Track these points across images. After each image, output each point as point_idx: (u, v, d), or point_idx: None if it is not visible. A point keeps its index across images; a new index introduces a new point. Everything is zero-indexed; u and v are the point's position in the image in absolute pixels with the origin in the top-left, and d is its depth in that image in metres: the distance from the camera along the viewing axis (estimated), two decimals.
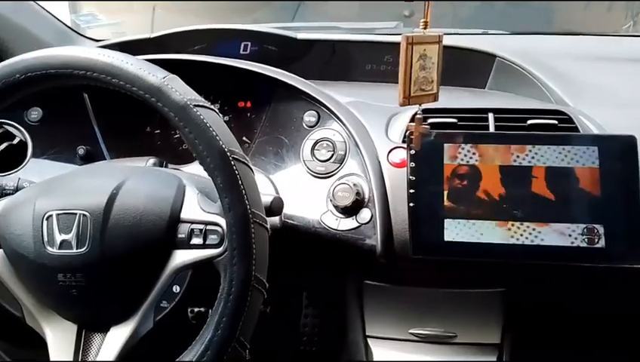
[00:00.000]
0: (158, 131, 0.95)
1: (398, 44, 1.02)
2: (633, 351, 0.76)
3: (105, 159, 0.86)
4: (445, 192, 0.66)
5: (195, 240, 0.56)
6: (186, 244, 0.56)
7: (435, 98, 0.50)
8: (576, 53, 0.95)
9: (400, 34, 1.17)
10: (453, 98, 0.88)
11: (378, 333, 0.76)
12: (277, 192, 0.77)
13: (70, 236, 0.55)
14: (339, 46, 1.07)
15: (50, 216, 0.56)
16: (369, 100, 0.85)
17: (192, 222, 0.56)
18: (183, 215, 0.57)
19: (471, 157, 0.67)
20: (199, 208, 0.57)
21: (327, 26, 1.25)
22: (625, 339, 0.75)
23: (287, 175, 0.78)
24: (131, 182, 0.59)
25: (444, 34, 1.10)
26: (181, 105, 0.52)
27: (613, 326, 0.75)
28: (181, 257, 0.56)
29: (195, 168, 0.82)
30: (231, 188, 0.52)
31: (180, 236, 0.56)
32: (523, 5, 1.44)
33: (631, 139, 0.65)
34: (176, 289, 0.57)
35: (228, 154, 0.52)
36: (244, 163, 0.54)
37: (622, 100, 0.79)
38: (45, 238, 0.56)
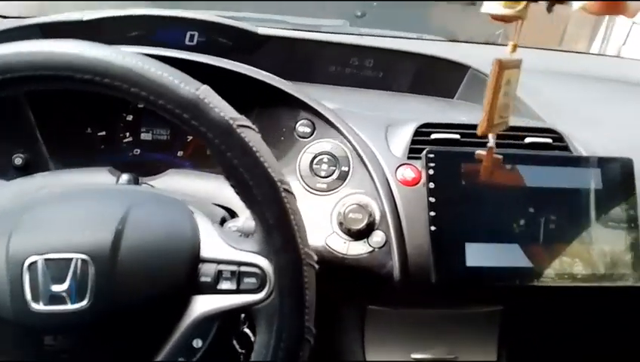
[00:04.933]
0: (103, 133, 0.80)
1: (365, 47, 0.99)
2: None
3: (47, 170, 0.70)
4: (466, 215, 0.64)
5: (226, 285, 0.46)
6: (212, 289, 0.46)
7: (507, 125, 0.47)
8: (547, 69, 0.98)
9: (351, 34, 1.13)
10: (442, 111, 0.86)
11: (379, 358, 0.72)
12: None
13: (64, 288, 0.42)
14: (300, 45, 1.00)
15: (34, 263, 0.42)
16: (353, 107, 0.79)
17: (220, 262, 0.47)
18: (205, 253, 0.47)
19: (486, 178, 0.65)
20: (226, 244, 0.48)
21: (272, 19, 1.16)
22: (622, 353, 0.80)
23: None
24: (137, 212, 0.47)
25: (406, 38, 1.08)
26: (224, 126, 0.42)
27: (609, 341, 0.79)
28: (205, 304, 0.46)
29: (168, 182, 0.71)
30: (282, 225, 0.44)
31: (202, 279, 0.46)
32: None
33: (630, 162, 0.68)
34: (197, 343, 0.46)
35: (279, 185, 0.44)
36: (291, 193, 0.45)
37: (599, 120, 0.83)
38: (28, 293, 0.42)
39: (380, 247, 0.64)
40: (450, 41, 1.04)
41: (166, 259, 0.45)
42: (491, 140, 0.47)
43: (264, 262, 0.46)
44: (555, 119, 0.83)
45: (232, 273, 0.46)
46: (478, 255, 0.63)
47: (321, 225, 0.66)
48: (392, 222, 0.65)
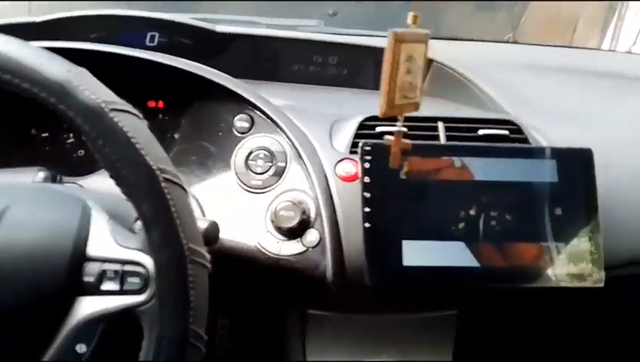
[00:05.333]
0: (47, 134, 0.78)
1: (328, 43, 0.96)
2: None
3: None
4: (404, 211, 0.59)
5: (108, 285, 0.43)
6: (95, 289, 0.43)
7: (417, 107, 0.42)
8: (512, 62, 0.93)
9: (327, 32, 1.09)
10: None
11: None
12: (202, 212, 0.65)
13: None
14: (263, 43, 0.97)
15: None
16: (304, 104, 0.76)
17: (104, 261, 0.43)
18: (91, 251, 0.44)
19: (429, 172, 0.61)
20: (113, 241, 0.44)
21: (246, 21, 1.13)
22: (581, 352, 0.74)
23: (216, 190, 0.66)
24: (17, 209, 0.44)
25: (377, 36, 1.04)
26: (92, 108, 0.39)
27: (569, 346, 0.73)
28: (88, 306, 0.43)
29: (99, 181, 0.68)
30: (161, 218, 0.40)
31: (86, 279, 0.43)
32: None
33: (589, 153, 0.62)
34: (81, 348, 0.43)
35: (157, 173, 0.40)
36: (177, 185, 0.42)
37: (566, 113, 0.77)
38: None
39: (313, 247, 0.60)
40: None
41: (44, 259, 0.42)
42: (399, 124, 0.43)
43: (148, 261, 0.42)
44: (522, 113, 0.78)
45: (116, 272, 0.43)
46: (418, 254, 0.58)
47: (255, 225, 0.63)
48: (328, 220, 0.61)
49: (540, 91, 0.85)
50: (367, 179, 0.59)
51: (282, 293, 0.66)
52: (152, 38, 0.99)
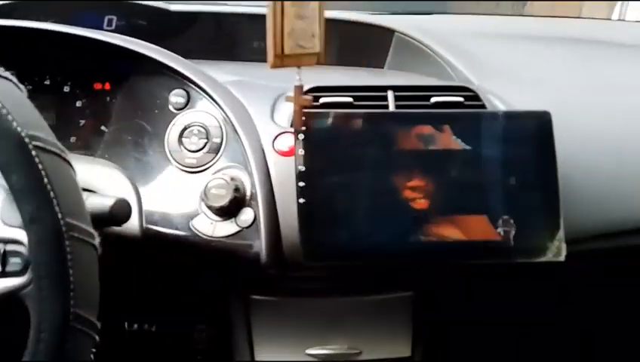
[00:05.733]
0: None
1: None
2: (550, 353, 0.69)
3: None
4: (342, 185, 0.55)
5: None
6: None
7: (320, 59, 0.38)
8: (479, 31, 0.88)
9: None
10: (348, 76, 0.77)
11: (269, 357, 0.63)
12: (137, 193, 0.61)
13: None
14: (220, 19, 0.93)
15: None
16: (253, 79, 0.71)
17: None
18: None
19: (371, 142, 0.56)
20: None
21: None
22: (541, 342, 0.69)
23: (150, 170, 0.62)
24: None
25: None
26: None
27: (530, 329, 0.68)
28: None
29: None
30: (32, 190, 0.36)
31: None
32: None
33: (546, 116, 0.57)
34: None
35: (26, 140, 0.36)
36: (53, 153, 0.38)
37: (531, 79, 0.72)
38: None
39: (247, 226, 0.56)
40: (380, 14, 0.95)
41: None
42: (297, 76, 0.38)
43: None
44: (486, 81, 0.73)
45: None
46: (357, 230, 0.54)
47: (189, 206, 0.59)
48: (264, 197, 0.56)
49: (508, 59, 0.79)
50: (301, 152, 0.55)
51: (220, 277, 0.62)
52: (110, 21, 0.97)
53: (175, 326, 0.82)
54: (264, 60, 0.90)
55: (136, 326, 0.81)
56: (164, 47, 0.69)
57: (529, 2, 1.40)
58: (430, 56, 0.82)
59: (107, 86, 0.72)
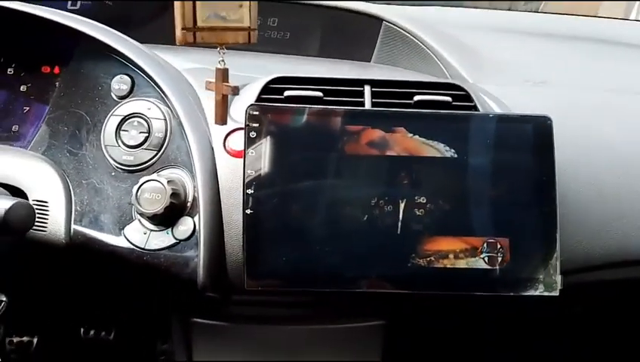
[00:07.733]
0: None
1: (267, 2, 0.83)
2: None
3: None
4: (297, 195, 0.46)
5: None
6: None
7: (249, 38, 0.29)
8: (481, 25, 0.79)
9: None
10: (325, 68, 0.68)
11: None
12: (68, 192, 0.52)
13: None
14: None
15: None
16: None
17: None
18: None
19: (334, 145, 0.47)
20: None
21: None
22: None
23: (85, 166, 0.54)
24: None
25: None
26: None
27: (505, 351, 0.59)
28: None
29: None
30: None
31: None
32: None
33: (546, 122, 0.48)
34: None
35: None
36: None
37: (535, 79, 0.63)
38: None
39: (185, 239, 0.47)
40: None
41: None
42: (220, 55, 0.30)
43: None
44: (482, 79, 0.64)
45: None
46: (313, 250, 0.45)
47: (124, 210, 0.50)
48: (207, 205, 0.48)
49: (512, 57, 0.71)
50: (251, 153, 0.46)
51: (153, 296, 0.54)
52: (75, 1, 0.89)
53: (133, 335, 0.74)
54: (241, 49, 0.83)
55: (92, 332, 0.73)
56: (133, 33, 0.61)
57: (543, 2, 1.32)
58: (421, 49, 0.73)
59: (56, 70, 0.64)
